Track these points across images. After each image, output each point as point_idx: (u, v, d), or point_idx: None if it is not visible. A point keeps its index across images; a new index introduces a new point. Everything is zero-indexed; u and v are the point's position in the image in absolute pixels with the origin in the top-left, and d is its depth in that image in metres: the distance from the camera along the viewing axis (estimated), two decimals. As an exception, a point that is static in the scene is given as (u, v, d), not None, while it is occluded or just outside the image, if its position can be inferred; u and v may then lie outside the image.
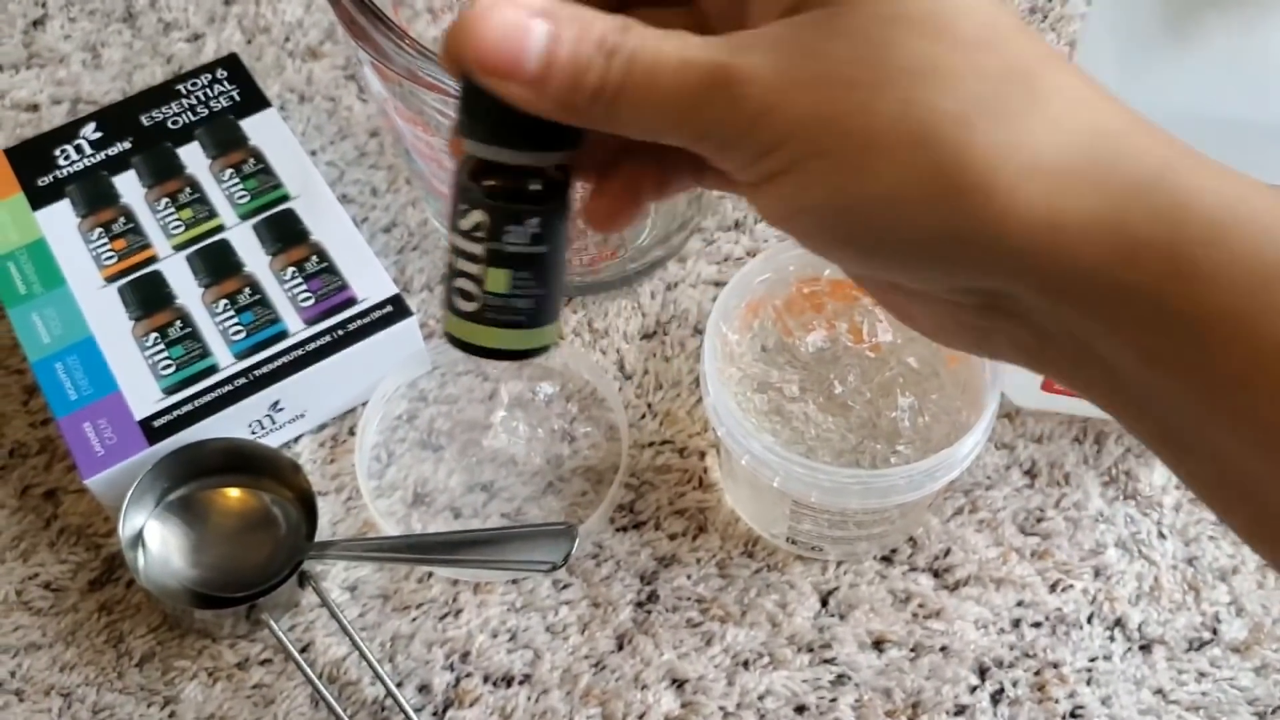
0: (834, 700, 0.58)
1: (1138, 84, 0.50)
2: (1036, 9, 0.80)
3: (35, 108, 0.77)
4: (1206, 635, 0.59)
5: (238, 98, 0.72)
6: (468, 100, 0.30)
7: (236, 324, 0.64)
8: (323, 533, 0.62)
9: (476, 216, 0.30)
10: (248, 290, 0.65)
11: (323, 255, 0.66)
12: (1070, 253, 0.27)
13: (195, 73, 0.74)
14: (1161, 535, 0.62)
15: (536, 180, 0.31)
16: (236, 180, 0.69)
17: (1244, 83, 0.49)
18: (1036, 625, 0.60)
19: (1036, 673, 0.59)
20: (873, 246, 0.29)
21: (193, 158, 0.70)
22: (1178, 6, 0.49)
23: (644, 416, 0.66)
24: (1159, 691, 0.58)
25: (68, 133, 0.71)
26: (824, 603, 0.61)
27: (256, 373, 0.62)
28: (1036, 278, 0.28)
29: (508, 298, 0.31)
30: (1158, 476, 0.63)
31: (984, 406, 0.55)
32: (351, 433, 0.66)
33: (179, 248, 0.67)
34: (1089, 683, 0.58)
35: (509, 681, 0.59)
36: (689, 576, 0.61)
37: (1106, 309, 0.27)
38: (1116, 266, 0.27)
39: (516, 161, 0.30)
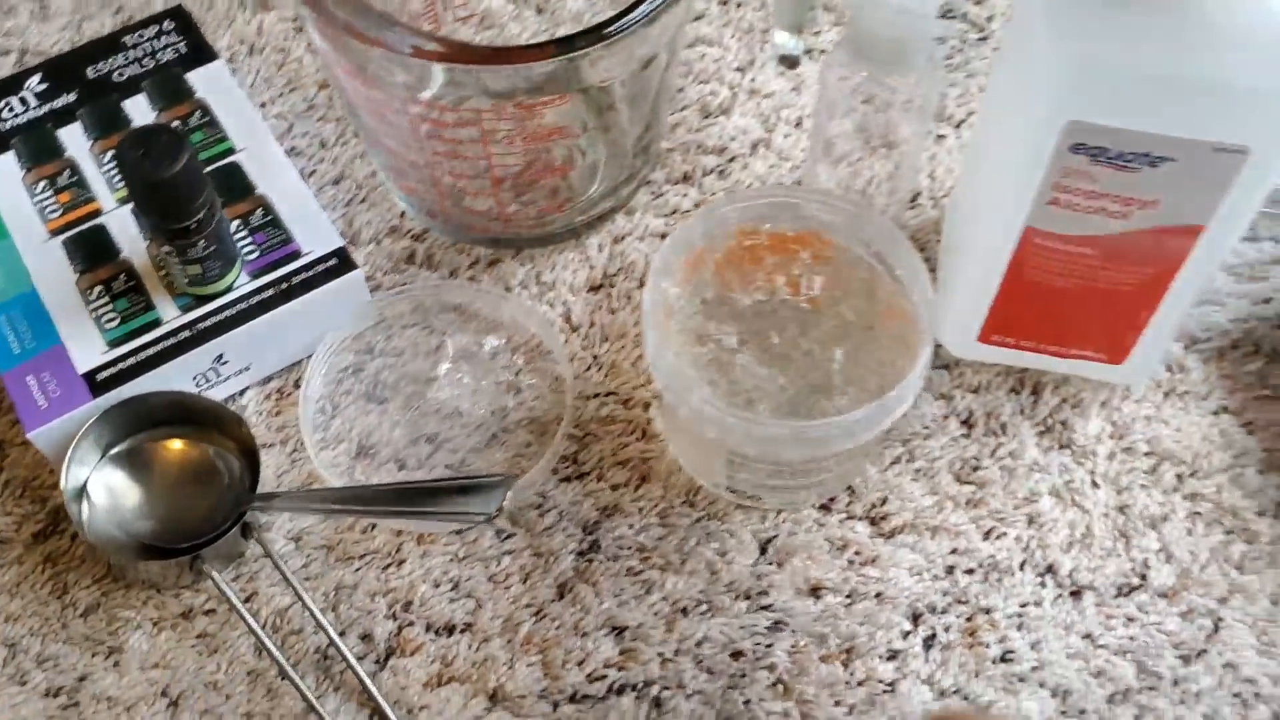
0: (770, 646, 0.59)
1: (1068, 39, 0.51)
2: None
3: (-18, 60, 0.77)
4: (1135, 581, 0.61)
5: (185, 50, 0.72)
6: (146, 206, 0.61)
7: (181, 277, 0.64)
8: (267, 485, 0.62)
9: (168, 248, 0.61)
10: (192, 243, 0.65)
11: (268, 208, 0.66)
12: None
13: (142, 24, 0.74)
14: (1094, 484, 0.63)
15: (194, 225, 0.60)
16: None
17: (1176, 38, 0.49)
18: (970, 572, 0.61)
19: (968, 618, 0.60)
20: None
21: (139, 110, 0.70)
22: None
23: (589, 368, 0.67)
24: (1087, 636, 0.59)
25: (12, 84, 0.71)
26: (763, 550, 0.62)
27: (200, 326, 0.63)
28: None
29: (203, 273, 0.62)
30: (1092, 426, 0.64)
31: (918, 358, 0.56)
32: (297, 385, 0.66)
33: (124, 201, 0.67)
34: (1019, 628, 0.59)
35: (450, 630, 0.60)
36: (630, 526, 0.62)
37: None
38: None
39: (177, 225, 0.60)
